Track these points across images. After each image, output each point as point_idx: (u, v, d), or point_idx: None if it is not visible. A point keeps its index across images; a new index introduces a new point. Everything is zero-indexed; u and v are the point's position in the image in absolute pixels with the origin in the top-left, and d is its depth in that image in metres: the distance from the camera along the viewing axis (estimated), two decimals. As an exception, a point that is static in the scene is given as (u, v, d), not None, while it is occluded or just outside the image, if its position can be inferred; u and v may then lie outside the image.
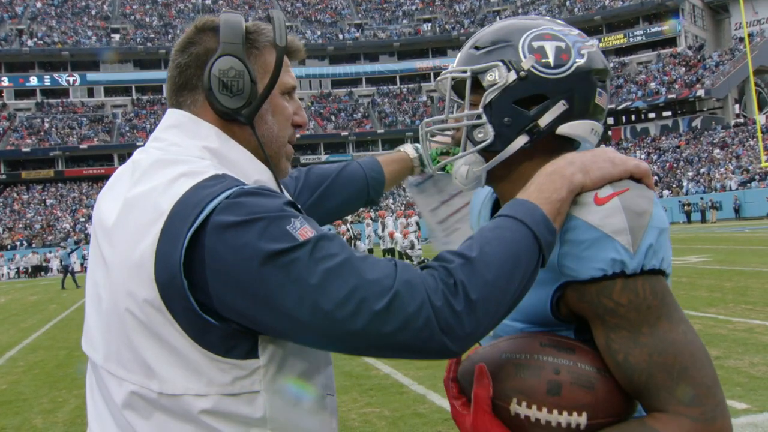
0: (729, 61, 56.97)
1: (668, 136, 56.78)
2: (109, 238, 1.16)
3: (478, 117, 1.25)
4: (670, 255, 1.16)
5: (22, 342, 11.73)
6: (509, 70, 1.22)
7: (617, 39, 65.75)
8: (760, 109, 45.20)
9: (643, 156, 53.82)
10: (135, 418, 1.13)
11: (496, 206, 1.45)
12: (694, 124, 56.69)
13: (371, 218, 32.93)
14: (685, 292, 10.97)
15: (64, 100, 66.70)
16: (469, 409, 1.15)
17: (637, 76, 61.87)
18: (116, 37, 68.19)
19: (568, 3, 68.45)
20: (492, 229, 1.11)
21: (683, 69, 59.26)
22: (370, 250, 28.37)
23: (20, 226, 51.99)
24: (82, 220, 52.07)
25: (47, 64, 66.44)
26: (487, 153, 1.27)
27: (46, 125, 62.49)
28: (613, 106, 59.01)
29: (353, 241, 27.79)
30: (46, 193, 58.37)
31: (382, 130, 65.55)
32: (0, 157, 59.58)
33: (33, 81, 66.07)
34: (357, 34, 72.38)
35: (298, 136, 1.39)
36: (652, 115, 59.41)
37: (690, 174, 47.25)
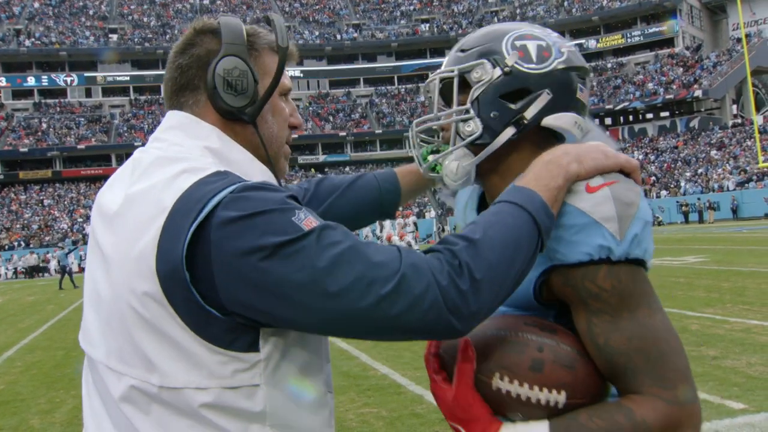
0: (726, 62, 57.05)
1: (666, 136, 56.86)
2: (110, 228, 1.17)
3: (467, 112, 1.31)
4: (652, 248, 1.22)
5: (19, 342, 11.72)
6: (494, 66, 1.29)
7: (615, 39, 65.85)
8: (758, 109, 45.30)
9: (640, 156, 53.88)
10: (134, 413, 1.13)
11: (481, 201, 1.48)
12: (691, 124, 56.78)
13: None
14: (682, 292, 10.99)
15: (62, 100, 66.64)
16: (449, 384, 1.19)
17: (635, 77, 61.95)
18: (114, 37, 68.15)
19: (566, 3, 68.51)
20: (494, 214, 1.14)
21: (681, 69, 59.34)
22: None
23: (18, 226, 51.91)
24: (80, 220, 52.00)
25: (45, 64, 66.36)
26: (475, 147, 1.32)
27: (44, 125, 62.42)
28: (610, 106, 59.14)
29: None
30: (43, 193, 58.29)
31: (380, 131, 65.58)
32: (-3, 157, 59.55)
33: (30, 81, 66.00)
34: (355, 35, 72.39)
35: (295, 136, 1.40)
36: (649, 116, 59.49)
37: (688, 174, 47.32)
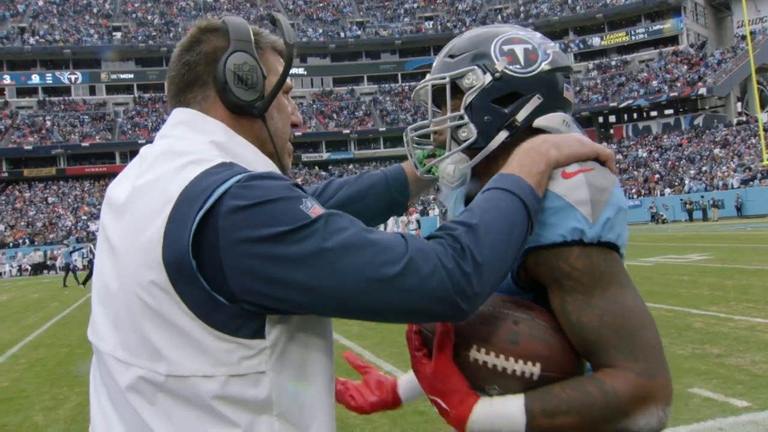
0: (731, 59, 56.91)
1: (670, 134, 56.74)
2: (118, 220, 1.19)
3: (461, 118, 1.37)
4: (626, 235, 1.28)
5: (23, 339, 11.75)
6: (485, 72, 1.35)
7: (619, 37, 65.72)
8: (762, 107, 45.17)
9: (645, 154, 53.82)
10: (140, 404, 1.14)
11: (468, 198, 1.54)
12: (696, 122, 56.64)
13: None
14: (686, 290, 10.97)
15: (66, 98, 66.76)
16: (429, 360, 1.25)
17: (639, 74, 61.82)
18: (118, 35, 68.26)
19: (569, 1, 68.35)
20: (487, 200, 1.20)
21: (685, 67, 59.20)
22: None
23: (22, 224, 52.05)
24: (84, 218, 52.14)
25: (49, 62, 66.48)
26: (470, 151, 1.39)
27: (48, 123, 62.57)
28: (614, 104, 59.04)
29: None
30: (48, 191, 58.45)
31: (384, 128, 65.58)
32: (2, 155, 59.72)
33: (35, 79, 66.15)
34: (359, 32, 72.38)
35: (299, 134, 1.41)
36: (654, 113, 59.38)
37: (692, 172, 47.21)
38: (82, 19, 69.74)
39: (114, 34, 68.44)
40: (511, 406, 1.18)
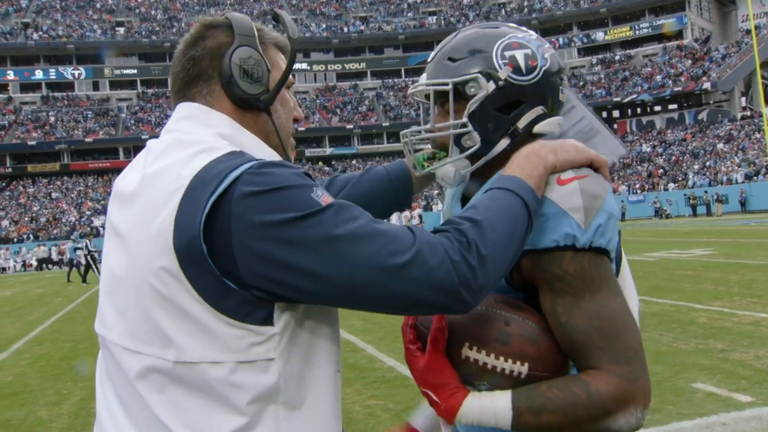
0: (735, 54, 56.71)
1: (674, 129, 56.59)
2: (127, 209, 1.20)
3: (464, 125, 1.40)
4: (616, 240, 1.34)
5: (27, 334, 11.78)
6: (488, 80, 1.38)
7: (623, 31, 65.54)
8: (767, 102, 44.92)
9: (648, 149, 53.71)
10: (148, 393, 1.15)
11: (464, 198, 1.57)
12: (700, 117, 56.50)
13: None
14: (690, 285, 10.97)
15: (70, 93, 66.80)
16: (423, 353, 1.30)
17: (643, 69, 61.66)
18: (121, 30, 68.26)
19: (573, -5, 68.18)
20: (490, 199, 1.24)
21: (689, 62, 59.03)
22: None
23: (26, 219, 52.17)
24: (88, 213, 52.21)
25: (52, 58, 66.52)
26: (472, 156, 1.42)
27: (52, 119, 62.61)
28: (618, 99, 58.89)
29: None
30: (51, 186, 58.54)
31: (387, 123, 65.49)
32: (6, 150, 59.78)
33: (38, 74, 66.20)
34: (362, 27, 72.28)
35: (302, 129, 1.42)
36: (657, 108, 59.21)
37: (696, 167, 47.11)
38: (86, 14, 69.75)
39: (117, 29, 68.45)
40: (499, 402, 1.23)
